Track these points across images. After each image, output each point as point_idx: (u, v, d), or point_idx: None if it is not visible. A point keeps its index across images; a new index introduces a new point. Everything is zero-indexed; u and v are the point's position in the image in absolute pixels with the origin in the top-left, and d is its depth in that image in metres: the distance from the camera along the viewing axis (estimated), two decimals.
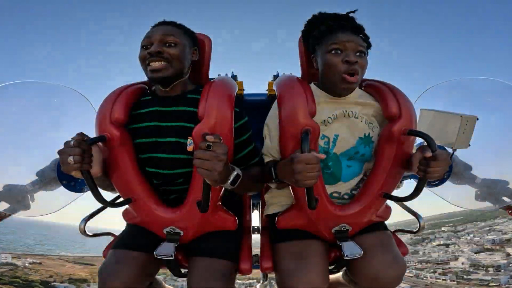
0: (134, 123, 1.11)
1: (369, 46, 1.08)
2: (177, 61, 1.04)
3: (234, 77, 1.67)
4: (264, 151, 1.18)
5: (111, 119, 1.02)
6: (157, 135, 1.09)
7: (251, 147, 1.16)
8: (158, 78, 1.03)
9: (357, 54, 1.02)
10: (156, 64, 1.01)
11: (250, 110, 1.80)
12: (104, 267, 1.04)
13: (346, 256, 1.03)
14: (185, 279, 1.14)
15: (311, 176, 0.80)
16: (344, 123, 1.13)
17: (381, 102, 1.11)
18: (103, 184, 1.09)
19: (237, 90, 1.19)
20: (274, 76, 1.61)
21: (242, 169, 0.96)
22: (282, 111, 1.05)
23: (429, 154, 0.89)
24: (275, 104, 1.14)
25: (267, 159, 1.16)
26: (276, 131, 1.09)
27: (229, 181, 0.88)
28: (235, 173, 0.90)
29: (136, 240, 1.13)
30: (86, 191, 1.73)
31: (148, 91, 1.22)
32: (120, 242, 1.15)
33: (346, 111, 1.13)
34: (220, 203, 1.12)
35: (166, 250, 1.04)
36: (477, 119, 1.28)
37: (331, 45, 1.03)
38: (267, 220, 1.34)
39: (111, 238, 1.38)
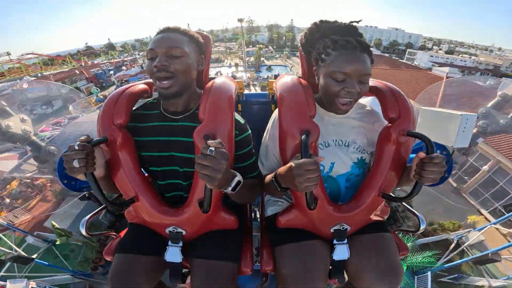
0: (139, 136, 1.12)
1: (372, 62, 1.01)
2: (183, 74, 1.01)
3: (234, 76, 1.67)
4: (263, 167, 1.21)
5: (113, 121, 1.02)
6: (167, 150, 1.10)
7: (252, 160, 1.16)
8: (167, 94, 1.02)
9: (360, 81, 0.98)
10: (164, 83, 0.99)
11: (250, 109, 1.84)
12: (114, 274, 1.02)
13: (334, 259, 1.07)
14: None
15: (311, 181, 0.81)
16: (337, 151, 1.15)
17: (381, 104, 1.11)
18: (106, 186, 1.09)
19: (237, 90, 1.20)
20: (275, 75, 1.62)
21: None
22: (282, 112, 1.05)
23: (422, 155, 0.90)
24: (275, 125, 1.13)
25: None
26: (276, 148, 1.10)
27: (231, 187, 0.88)
28: (236, 179, 0.89)
29: (141, 242, 1.13)
30: (86, 190, 1.76)
31: (151, 100, 1.23)
32: (126, 246, 1.14)
33: (336, 140, 1.15)
34: (222, 203, 1.12)
35: (173, 256, 1.08)
36: (477, 117, 1.28)
37: (334, 73, 0.98)
38: (267, 221, 1.34)
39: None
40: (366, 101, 1.28)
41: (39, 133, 12.82)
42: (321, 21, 1.09)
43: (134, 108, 1.14)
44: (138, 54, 60.20)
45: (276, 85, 1.18)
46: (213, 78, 1.18)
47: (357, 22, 1.05)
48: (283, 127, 1.02)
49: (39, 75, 31.32)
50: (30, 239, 5.98)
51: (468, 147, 2.87)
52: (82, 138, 0.88)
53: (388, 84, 1.14)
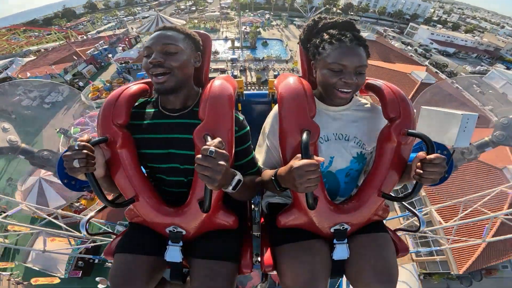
0: (139, 133, 1.12)
1: (368, 56, 1.03)
2: (179, 70, 1.03)
3: (234, 76, 1.64)
4: (263, 164, 1.21)
5: (113, 121, 1.03)
6: (166, 147, 1.10)
7: (250, 157, 1.17)
8: (163, 89, 1.03)
9: (357, 72, 1.00)
10: (159, 79, 1.01)
11: (250, 108, 1.82)
12: (114, 274, 1.03)
13: (333, 258, 1.08)
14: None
15: (311, 182, 0.80)
16: (337, 145, 1.15)
17: (381, 103, 1.11)
18: (106, 186, 1.09)
19: (237, 89, 1.17)
20: (275, 75, 1.59)
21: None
22: (282, 111, 1.04)
23: (423, 155, 0.90)
24: (275, 119, 1.13)
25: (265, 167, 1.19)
26: (277, 142, 1.10)
27: (231, 187, 0.89)
28: (237, 178, 0.90)
29: (142, 242, 1.13)
30: (86, 189, 1.75)
31: (149, 98, 1.23)
32: (126, 245, 1.14)
33: (336, 134, 1.15)
34: (222, 203, 1.12)
35: (173, 255, 1.09)
36: (478, 117, 1.27)
37: (330, 64, 1.00)
38: (267, 220, 1.35)
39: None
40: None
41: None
42: (320, 18, 1.12)
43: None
44: (125, 17, 58.63)
45: (277, 85, 1.18)
46: (213, 78, 1.18)
47: (355, 20, 1.05)
48: (284, 126, 1.02)
49: (32, 56, 30.37)
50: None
51: (475, 156, 2.81)
52: (82, 138, 0.88)
53: (388, 84, 1.14)
